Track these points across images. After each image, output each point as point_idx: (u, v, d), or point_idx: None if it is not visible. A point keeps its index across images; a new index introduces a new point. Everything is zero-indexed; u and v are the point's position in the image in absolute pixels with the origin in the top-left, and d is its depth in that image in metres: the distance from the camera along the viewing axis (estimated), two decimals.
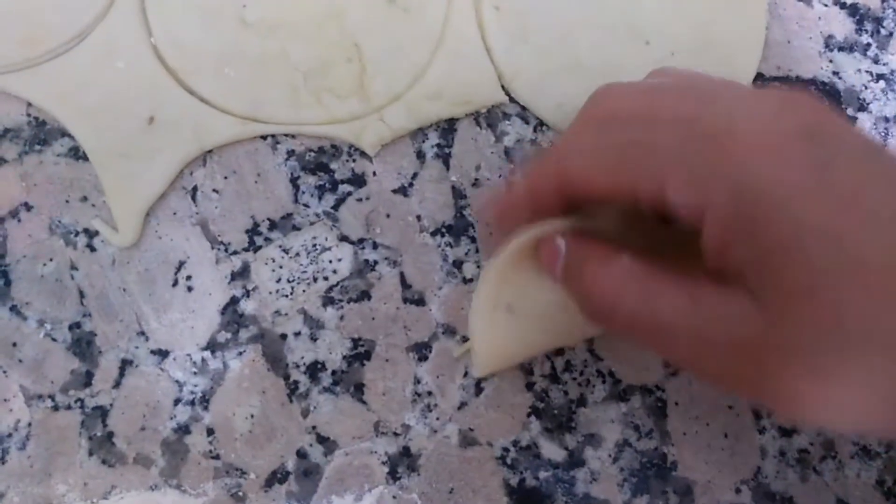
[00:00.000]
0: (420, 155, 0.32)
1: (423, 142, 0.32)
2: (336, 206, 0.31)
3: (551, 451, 0.29)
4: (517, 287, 0.28)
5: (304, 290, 0.30)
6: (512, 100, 0.32)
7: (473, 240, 0.31)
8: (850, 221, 0.19)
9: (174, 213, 0.30)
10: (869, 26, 0.34)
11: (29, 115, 0.31)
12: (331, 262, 0.30)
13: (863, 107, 0.34)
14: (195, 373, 0.29)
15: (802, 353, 0.19)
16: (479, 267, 0.31)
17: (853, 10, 0.34)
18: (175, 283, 0.30)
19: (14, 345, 0.29)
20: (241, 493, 0.28)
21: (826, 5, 0.34)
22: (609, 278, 0.23)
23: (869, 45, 0.34)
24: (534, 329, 0.28)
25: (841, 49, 0.34)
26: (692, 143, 0.21)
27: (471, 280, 0.31)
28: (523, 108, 0.32)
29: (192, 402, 0.29)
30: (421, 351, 0.30)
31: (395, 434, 0.29)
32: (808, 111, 0.21)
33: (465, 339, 0.30)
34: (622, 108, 0.24)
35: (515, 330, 0.28)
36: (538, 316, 0.28)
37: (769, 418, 0.30)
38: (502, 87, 0.32)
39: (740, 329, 0.20)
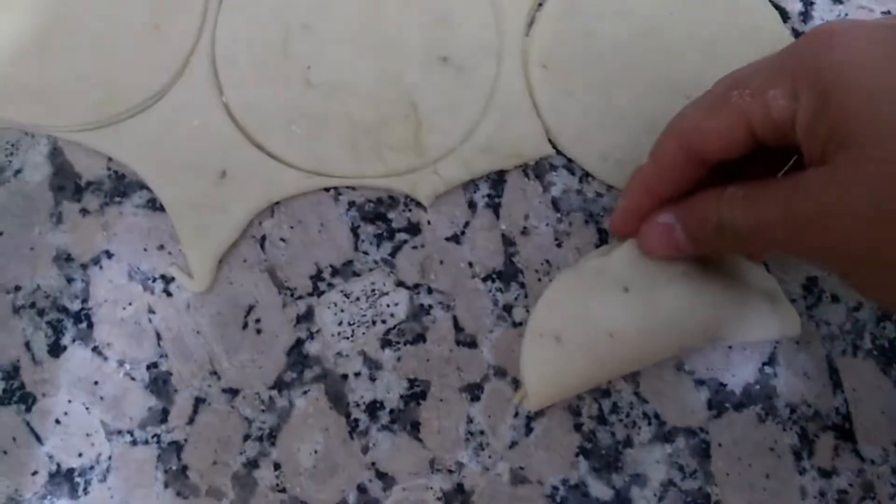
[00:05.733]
0: (472, 205, 0.34)
1: (475, 192, 0.34)
2: (393, 254, 0.33)
3: (599, 490, 0.31)
4: (564, 317, 0.29)
5: (363, 333, 0.32)
6: (558, 152, 0.34)
7: (522, 285, 0.33)
8: None
9: (244, 261, 0.33)
10: None
11: (109, 168, 0.34)
12: (388, 306, 0.32)
13: None
14: (263, 410, 0.31)
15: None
16: (527, 311, 0.32)
17: None
18: (245, 326, 0.32)
19: (96, 383, 0.31)
20: None
21: None
22: (729, 206, 0.25)
23: None
24: (582, 359, 0.29)
25: None
26: (790, 59, 0.24)
27: (520, 324, 0.32)
28: (569, 160, 0.34)
29: (261, 438, 0.31)
30: (473, 391, 0.32)
31: (450, 471, 0.31)
32: None
33: (517, 384, 0.32)
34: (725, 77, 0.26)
35: (564, 361, 0.29)
36: (585, 346, 0.29)
37: (810, 460, 0.31)
38: (549, 140, 0.34)
39: (819, 198, 0.22)
